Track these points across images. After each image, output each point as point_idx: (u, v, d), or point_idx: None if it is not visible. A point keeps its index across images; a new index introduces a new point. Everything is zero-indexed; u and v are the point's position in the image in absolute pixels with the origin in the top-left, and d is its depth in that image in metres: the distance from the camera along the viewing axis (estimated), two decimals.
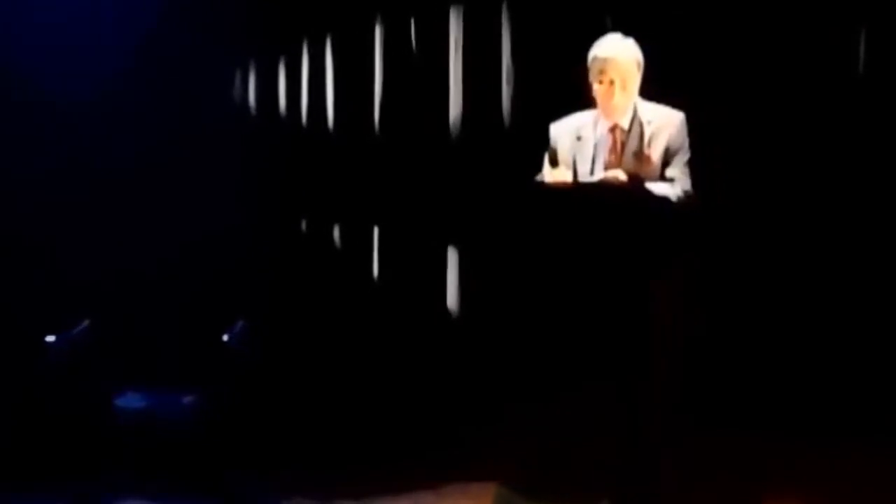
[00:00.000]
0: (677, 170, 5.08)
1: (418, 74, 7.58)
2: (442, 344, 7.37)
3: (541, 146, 5.40)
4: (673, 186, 5.04)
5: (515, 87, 7.36)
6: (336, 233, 7.77)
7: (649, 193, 4.98)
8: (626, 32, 5.32)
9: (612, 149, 5.14)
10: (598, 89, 5.10)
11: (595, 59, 5.08)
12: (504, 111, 7.40)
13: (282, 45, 7.76)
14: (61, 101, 6.90)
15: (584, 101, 5.17)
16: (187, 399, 5.65)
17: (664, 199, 4.99)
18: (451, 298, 7.52)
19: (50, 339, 5.49)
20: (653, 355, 4.96)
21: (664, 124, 5.11)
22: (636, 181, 4.97)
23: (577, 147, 5.16)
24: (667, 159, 5.09)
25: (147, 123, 7.10)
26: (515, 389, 6.91)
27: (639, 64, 5.11)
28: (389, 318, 7.51)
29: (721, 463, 6.01)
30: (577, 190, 5.05)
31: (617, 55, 5.06)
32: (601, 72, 5.07)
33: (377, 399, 7.11)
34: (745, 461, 6.13)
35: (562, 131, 5.24)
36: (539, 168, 5.29)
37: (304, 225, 7.76)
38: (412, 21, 7.61)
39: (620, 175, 4.97)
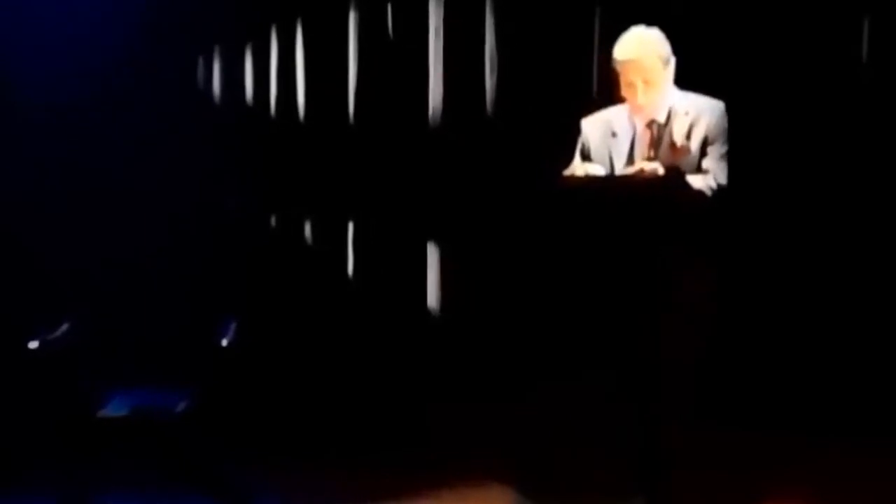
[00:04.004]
0: (713, 161, 5.00)
1: (396, 63, 7.40)
2: (442, 342, 7.26)
3: (526, 138, 5.36)
4: (706, 179, 4.95)
5: (499, 76, 7.19)
6: (311, 228, 7.63)
7: (688, 186, 4.88)
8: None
9: (651, 144, 5.06)
10: (623, 90, 5.03)
11: (615, 61, 5.02)
12: (487, 101, 7.23)
13: (250, 31, 7.61)
14: (42, 100, 6.86)
15: (577, 92, 5.29)
16: (178, 398, 5.47)
17: (701, 194, 4.91)
18: (437, 295, 7.40)
19: (33, 344, 5.33)
20: (668, 354, 4.89)
21: (702, 113, 5.03)
22: (675, 173, 4.86)
23: (613, 143, 5.09)
24: (704, 149, 5.00)
25: (125, 121, 7.06)
26: (513, 389, 6.87)
27: (663, 58, 5.02)
28: (383, 315, 7.40)
29: (721, 462, 5.85)
30: (609, 184, 4.95)
31: (636, 57, 4.97)
32: (623, 74, 5.00)
33: (376, 398, 7.08)
34: (746, 461, 6.07)
35: (594, 127, 5.16)
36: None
37: (281, 220, 7.63)
38: (389, 5, 7.42)
39: (659, 168, 4.86)
